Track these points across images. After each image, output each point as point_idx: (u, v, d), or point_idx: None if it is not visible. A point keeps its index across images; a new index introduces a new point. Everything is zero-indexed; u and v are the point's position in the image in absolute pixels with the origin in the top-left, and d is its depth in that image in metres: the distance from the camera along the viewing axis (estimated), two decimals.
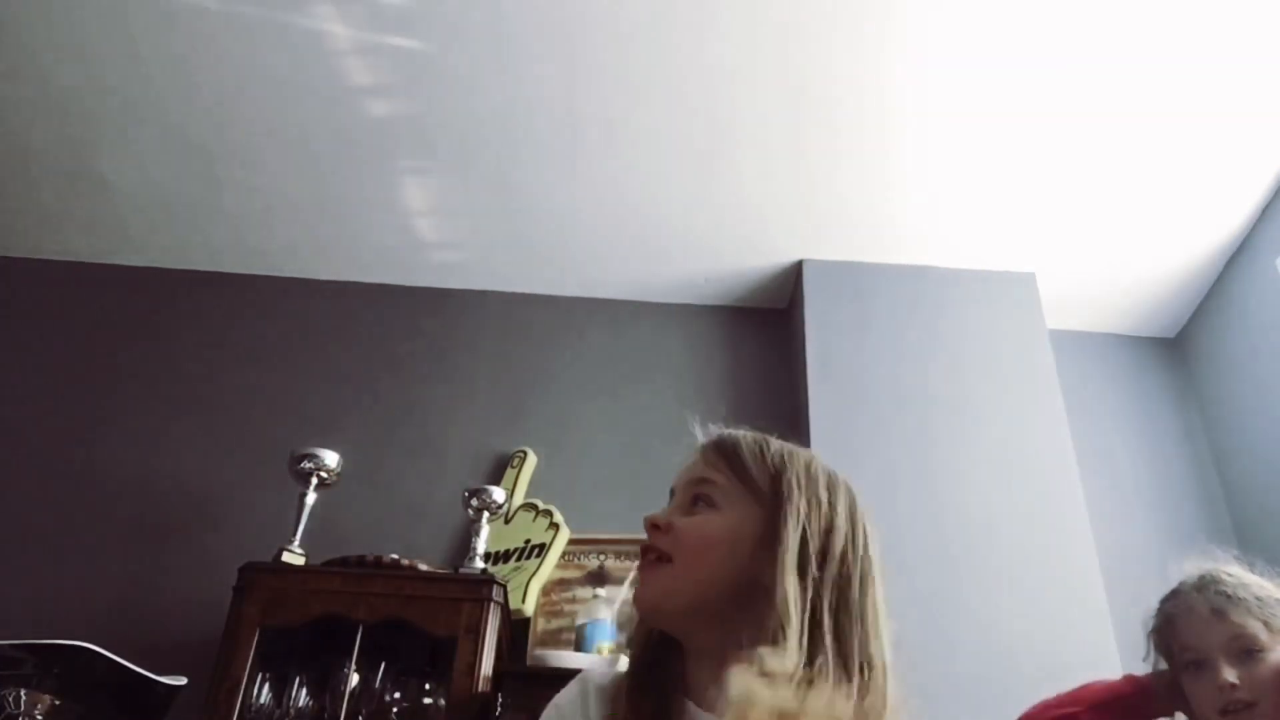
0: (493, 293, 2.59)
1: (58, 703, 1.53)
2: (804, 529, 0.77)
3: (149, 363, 2.42)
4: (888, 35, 1.89)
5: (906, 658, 1.98)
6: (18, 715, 1.49)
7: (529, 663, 1.91)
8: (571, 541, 2.13)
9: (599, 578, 2.09)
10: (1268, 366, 2.19)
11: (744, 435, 0.86)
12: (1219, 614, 1.03)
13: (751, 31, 1.88)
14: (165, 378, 2.40)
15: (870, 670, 0.74)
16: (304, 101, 2.07)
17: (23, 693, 1.50)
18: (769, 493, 0.80)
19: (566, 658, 1.80)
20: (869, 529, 0.82)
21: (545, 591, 2.07)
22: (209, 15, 1.88)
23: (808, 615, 0.73)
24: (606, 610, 1.96)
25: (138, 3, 1.87)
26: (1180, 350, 2.60)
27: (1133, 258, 2.38)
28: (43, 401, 2.33)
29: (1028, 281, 2.42)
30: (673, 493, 0.87)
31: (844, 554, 0.78)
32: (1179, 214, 2.25)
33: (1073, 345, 2.54)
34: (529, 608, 2.02)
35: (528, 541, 2.13)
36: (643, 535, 0.86)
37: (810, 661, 0.70)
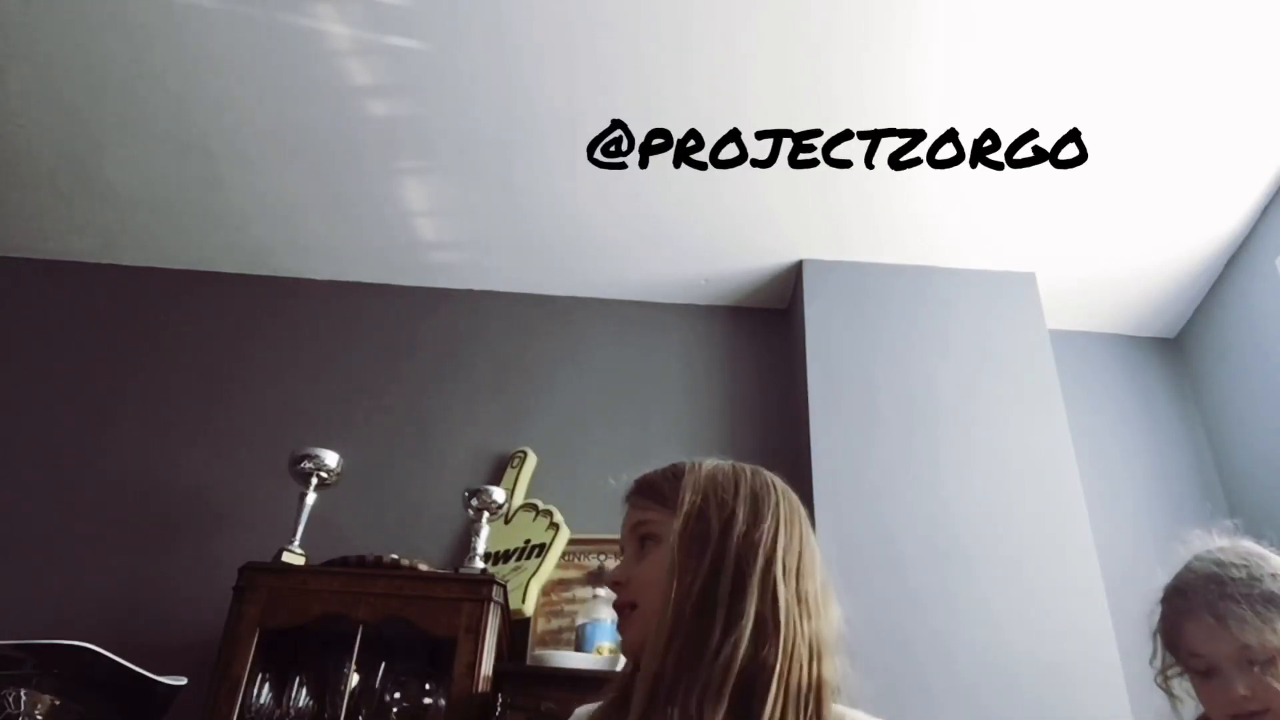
0: (493, 293, 2.59)
1: (58, 703, 1.53)
2: (690, 521, 0.85)
3: (149, 363, 2.43)
4: (890, 41, 1.89)
5: (906, 656, 1.99)
6: (18, 715, 1.49)
7: (529, 663, 1.91)
8: (571, 541, 2.13)
9: (599, 578, 2.09)
10: (1268, 366, 2.19)
11: (663, 469, 0.94)
12: (1224, 624, 0.99)
13: (754, 35, 1.88)
14: (165, 378, 2.40)
15: (780, 628, 0.79)
16: (304, 101, 2.07)
17: (23, 693, 1.50)
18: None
19: (566, 658, 1.80)
20: (785, 515, 0.88)
21: (545, 591, 2.07)
22: (209, 15, 1.88)
23: (693, 594, 0.81)
24: (606, 610, 1.95)
25: (138, 2, 1.87)
26: (1180, 350, 2.60)
27: (1133, 257, 2.38)
28: (43, 401, 2.33)
29: (1028, 281, 2.42)
30: (622, 550, 0.94)
31: (740, 538, 0.84)
32: (1179, 214, 2.25)
33: (1073, 345, 2.54)
34: (529, 608, 2.02)
35: (528, 541, 2.13)
36: None
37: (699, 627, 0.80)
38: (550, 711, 1.59)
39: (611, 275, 2.54)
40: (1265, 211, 2.22)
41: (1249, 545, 1.07)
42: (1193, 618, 1.03)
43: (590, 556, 2.13)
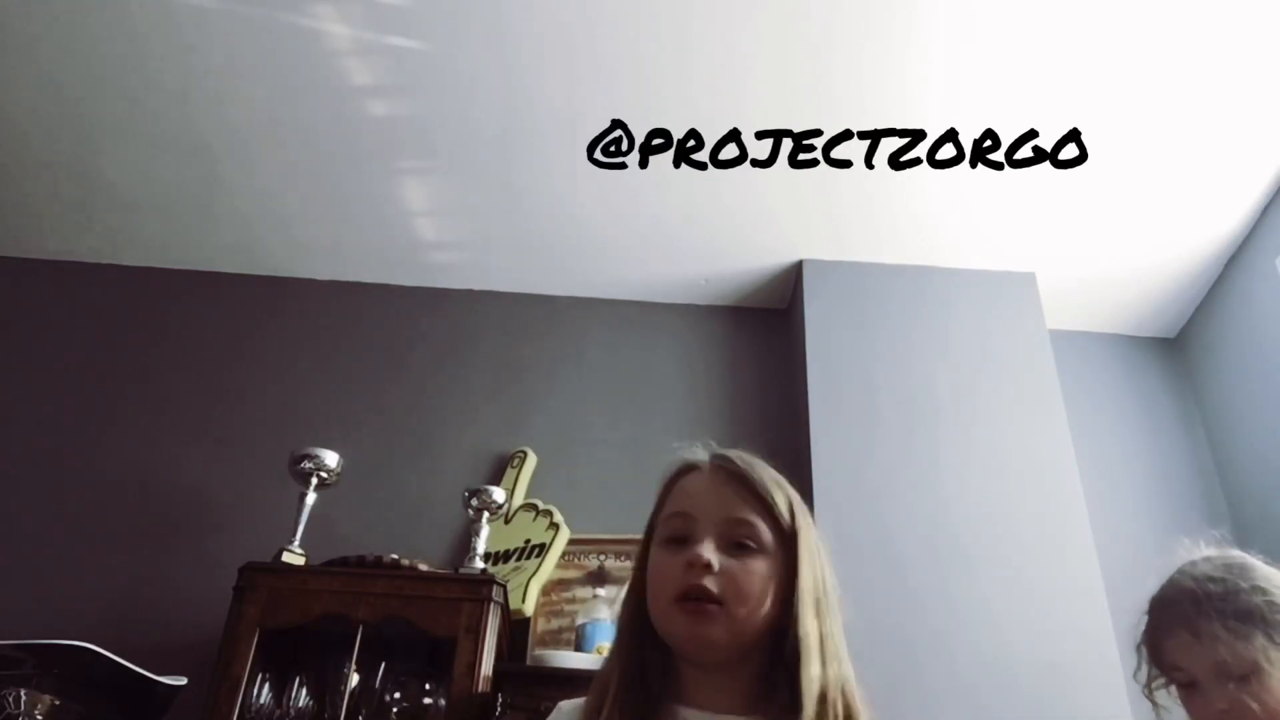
0: (493, 293, 2.59)
1: (58, 703, 1.53)
2: (816, 566, 0.85)
3: (149, 363, 2.42)
4: (890, 41, 1.89)
5: (906, 656, 1.99)
6: (18, 715, 1.49)
7: (529, 663, 1.91)
8: (571, 541, 2.13)
9: (599, 578, 2.09)
10: (1268, 366, 2.19)
11: (769, 474, 0.89)
12: (1200, 639, 1.00)
13: (754, 35, 1.88)
14: (165, 378, 2.40)
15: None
16: (304, 101, 2.07)
17: (23, 693, 1.50)
18: (790, 533, 0.85)
19: (566, 658, 1.80)
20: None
21: (545, 591, 2.07)
22: (209, 15, 1.88)
23: (823, 647, 0.81)
24: (606, 610, 1.96)
25: (139, 3, 1.87)
26: (1180, 350, 2.60)
27: (1133, 257, 2.38)
28: (43, 401, 2.33)
29: (1028, 281, 2.42)
30: (682, 514, 0.86)
31: (831, 589, 0.86)
32: (1179, 214, 2.25)
33: (1073, 345, 2.54)
34: (529, 608, 2.02)
35: (528, 541, 2.13)
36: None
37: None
38: (550, 711, 1.59)
39: (611, 275, 2.54)
40: (1265, 211, 2.22)
41: (1233, 556, 1.07)
42: (1171, 633, 1.04)
43: (590, 556, 2.13)
